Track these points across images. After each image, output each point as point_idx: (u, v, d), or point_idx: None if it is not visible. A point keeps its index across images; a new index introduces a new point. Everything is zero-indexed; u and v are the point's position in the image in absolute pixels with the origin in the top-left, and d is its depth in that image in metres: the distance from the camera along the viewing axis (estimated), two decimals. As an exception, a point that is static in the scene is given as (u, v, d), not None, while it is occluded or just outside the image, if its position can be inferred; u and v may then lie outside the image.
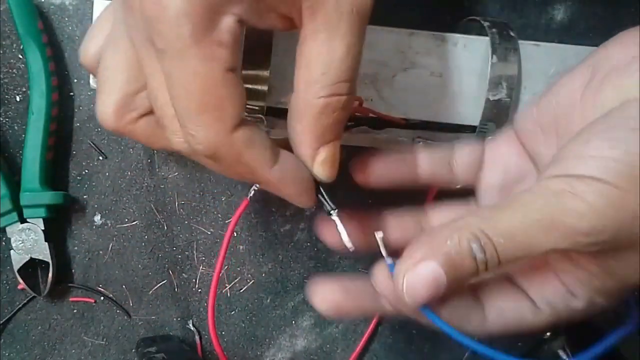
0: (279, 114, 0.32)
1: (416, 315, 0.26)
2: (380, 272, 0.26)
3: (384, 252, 0.26)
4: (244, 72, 0.30)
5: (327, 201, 0.27)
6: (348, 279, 0.28)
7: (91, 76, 0.35)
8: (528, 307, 0.26)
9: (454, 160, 0.30)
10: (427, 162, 0.30)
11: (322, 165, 0.26)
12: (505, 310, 0.26)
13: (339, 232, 0.27)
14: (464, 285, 0.25)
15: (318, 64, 0.23)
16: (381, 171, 0.29)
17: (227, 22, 0.21)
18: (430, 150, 0.30)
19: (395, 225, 0.31)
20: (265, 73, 0.31)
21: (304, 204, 0.27)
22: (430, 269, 0.23)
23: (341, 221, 0.27)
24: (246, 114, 0.30)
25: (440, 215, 0.31)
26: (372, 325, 0.41)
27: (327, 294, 0.28)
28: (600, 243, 0.22)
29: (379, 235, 0.26)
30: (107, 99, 0.25)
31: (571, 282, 0.25)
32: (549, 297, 0.26)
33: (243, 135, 0.23)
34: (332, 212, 0.27)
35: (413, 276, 0.23)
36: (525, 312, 0.26)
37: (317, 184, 0.27)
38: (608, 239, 0.22)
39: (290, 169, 0.26)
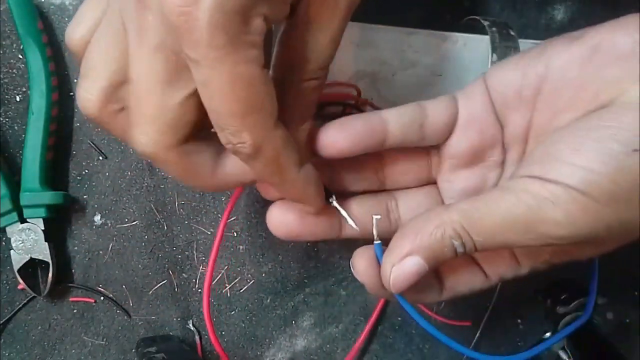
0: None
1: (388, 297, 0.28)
2: (359, 259, 0.27)
3: (375, 234, 0.28)
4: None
5: (325, 189, 0.28)
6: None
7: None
8: (479, 279, 0.29)
9: (427, 121, 0.28)
10: (397, 126, 0.27)
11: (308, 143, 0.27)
12: (459, 283, 0.29)
13: (342, 216, 0.29)
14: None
15: (303, 53, 0.24)
16: (347, 141, 0.27)
17: (257, 24, 0.21)
18: (400, 112, 0.28)
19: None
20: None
21: (317, 205, 0.27)
22: (415, 263, 0.25)
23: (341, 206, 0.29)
24: None
25: (398, 169, 0.30)
26: (372, 325, 0.41)
27: (282, 219, 0.28)
28: (569, 244, 0.24)
29: (375, 217, 0.28)
30: (92, 85, 0.24)
31: (522, 255, 0.29)
32: (500, 270, 0.29)
33: (281, 132, 0.23)
34: (331, 199, 0.28)
35: (400, 269, 0.26)
36: (476, 283, 0.29)
37: None
38: (577, 242, 0.24)
39: (311, 168, 0.26)
